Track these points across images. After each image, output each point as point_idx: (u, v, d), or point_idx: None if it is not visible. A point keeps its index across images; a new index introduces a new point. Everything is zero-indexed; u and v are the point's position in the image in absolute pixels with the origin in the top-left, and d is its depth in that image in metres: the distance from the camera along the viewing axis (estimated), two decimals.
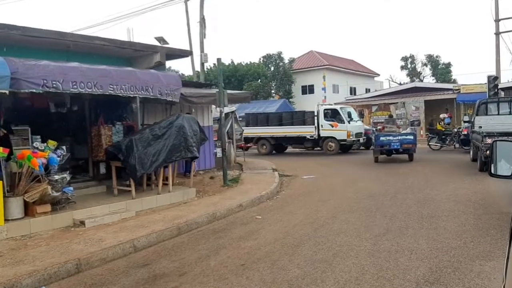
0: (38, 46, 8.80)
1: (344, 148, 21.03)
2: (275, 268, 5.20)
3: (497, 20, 23.33)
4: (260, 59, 45.54)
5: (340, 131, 20.43)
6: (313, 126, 20.95)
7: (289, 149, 24.56)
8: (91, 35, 9.51)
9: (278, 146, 23.00)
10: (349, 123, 20.54)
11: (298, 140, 21.92)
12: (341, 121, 20.47)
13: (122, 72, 8.22)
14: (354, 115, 21.96)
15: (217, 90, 11.27)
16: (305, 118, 21.71)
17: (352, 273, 4.92)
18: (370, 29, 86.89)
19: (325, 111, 21.10)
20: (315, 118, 21.01)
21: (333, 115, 20.92)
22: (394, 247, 5.77)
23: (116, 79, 7.95)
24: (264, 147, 22.66)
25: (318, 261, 5.39)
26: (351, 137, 20.31)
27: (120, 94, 7.97)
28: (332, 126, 20.57)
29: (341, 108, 21.50)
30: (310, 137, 21.13)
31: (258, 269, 5.21)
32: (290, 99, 41.44)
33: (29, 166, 7.00)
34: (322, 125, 20.82)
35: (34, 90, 6.92)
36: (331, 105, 23.20)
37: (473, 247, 5.61)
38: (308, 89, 43.48)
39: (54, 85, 7.03)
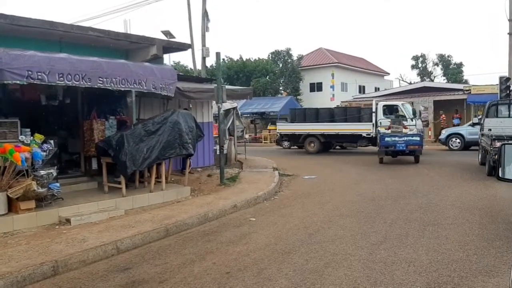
0: (28, 36, 8.48)
1: None
2: (261, 278, 4.84)
3: (510, 20, 22.65)
4: (268, 55, 45.25)
5: None
6: (371, 123, 19.66)
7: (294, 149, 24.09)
8: (84, 26, 9.21)
9: (326, 145, 21.73)
10: (412, 120, 19.38)
11: (352, 138, 20.53)
12: (403, 118, 19.14)
13: (113, 64, 7.87)
14: (415, 112, 20.63)
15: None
16: (361, 114, 20.52)
17: (343, 286, 4.54)
18: (381, 27, 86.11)
19: (384, 107, 19.98)
20: (373, 114, 19.74)
21: (392, 112, 19.76)
22: (391, 258, 5.39)
23: (107, 71, 7.60)
24: (312, 145, 21.31)
25: (309, 271, 5.02)
26: None
27: (110, 88, 7.62)
28: None
29: (402, 104, 20.37)
30: (367, 135, 19.87)
31: (243, 279, 4.86)
32: (298, 97, 41.06)
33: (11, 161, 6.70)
34: (380, 123, 19.33)
35: (18, 82, 6.61)
36: (391, 101, 21.82)
37: (476, 261, 5.20)
38: (316, 87, 43.06)
39: (39, 77, 6.71)
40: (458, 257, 5.37)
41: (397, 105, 20.21)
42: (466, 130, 20.71)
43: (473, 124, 20.40)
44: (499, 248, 5.65)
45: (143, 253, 6.03)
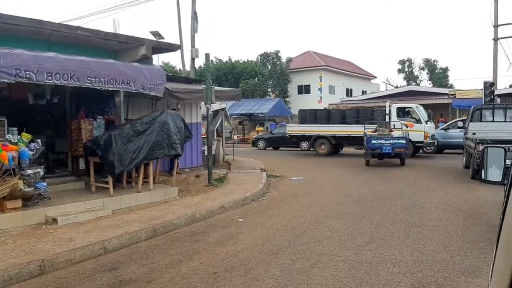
0: (17, 35, 8.43)
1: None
2: (248, 278, 4.89)
3: (496, 26, 23.03)
4: (257, 57, 45.28)
5: (416, 132, 18.49)
6: None
7: (283, 149, 24.19)
8: (73, 25, 9.17)
9: (336, 146, 21.36)
10: (427, 123, 19.04)
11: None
12: (417, 121, 18.92)
13: (102, 64, 7.85)
14: (430, 115, 20.24)
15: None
16: (374, 116, 20.03)
17: (329, 286, 4.61)
18: (368, 31, 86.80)
19: (398, 109, 19.57)
20: (387, 117, 19.34)
21: (406, 114, 19.45)
22: (376, 258, 5.47)
23: (96, 71, 7.58)
24: (323, 147, 20.92)
25: (295, 271, 5.08)
26: (428, 138, 18.57)
27: (98, 88, 7.60)
28: (407, 126, 18.29)
29: (416, 106, 19.94)
30: None
31: (231, 279, 4.90)
32: (286, 99, 41.22)
33: None
34: (394, 125, 18.69)
35: (6, 80, 6.57)
36: (403, 103, 21.69)
37: (460, 262, 5.31)
38: (304, 89, 43.26)
39: (28, 76, 6.67)
40: (442, 258, 5.48)
41: (411, 107, 19.82)
42: (439, 134, 20.98)
43: (446, 128, 20.89)
44: (482, 249, 5.78)
45: (131, 253, 6.03)
